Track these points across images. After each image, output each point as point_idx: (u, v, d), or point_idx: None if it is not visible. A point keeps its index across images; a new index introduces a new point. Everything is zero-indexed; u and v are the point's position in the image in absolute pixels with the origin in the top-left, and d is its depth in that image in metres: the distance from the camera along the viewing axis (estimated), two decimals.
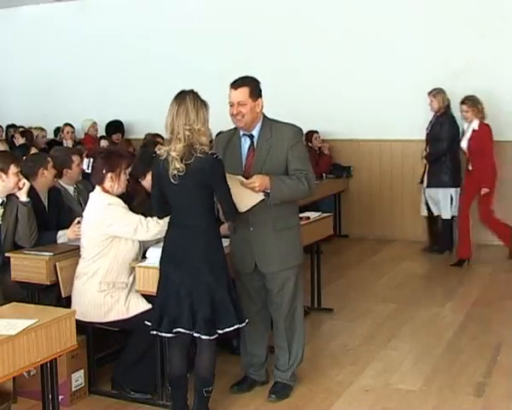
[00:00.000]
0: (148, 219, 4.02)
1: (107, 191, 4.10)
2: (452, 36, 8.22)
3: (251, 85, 3.94)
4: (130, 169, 4.35)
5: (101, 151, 4.72)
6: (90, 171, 4.21)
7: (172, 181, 3.52)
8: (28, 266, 4.28)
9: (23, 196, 4.42)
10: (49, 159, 4.90)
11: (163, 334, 3.64)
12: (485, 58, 8.07)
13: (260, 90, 3.98)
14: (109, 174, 4.09)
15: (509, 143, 8.08)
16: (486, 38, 8.06)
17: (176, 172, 3.50)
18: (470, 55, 8.10)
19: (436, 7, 8.30)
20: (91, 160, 4.20)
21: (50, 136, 9.54)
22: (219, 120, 8.41)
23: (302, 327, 4.25)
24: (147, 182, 4.62)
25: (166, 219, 3.80)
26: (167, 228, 3.73)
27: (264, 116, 4.03)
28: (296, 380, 4.28)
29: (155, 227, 3.96)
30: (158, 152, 3.63)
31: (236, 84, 3.95)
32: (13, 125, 9.32)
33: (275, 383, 4.23)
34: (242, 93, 3.92)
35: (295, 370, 4.25)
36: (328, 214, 5.89)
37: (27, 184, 4.44)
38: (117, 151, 4.51)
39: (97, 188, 4.14)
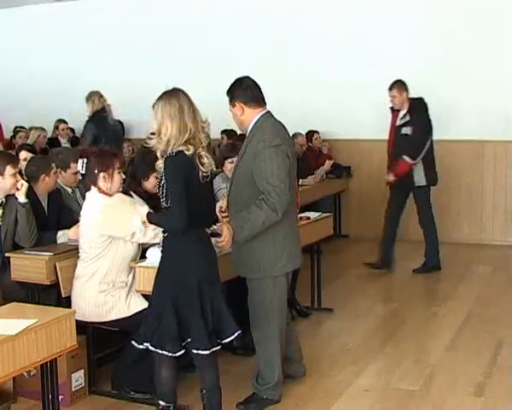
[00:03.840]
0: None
1: (103, 192, 4.09)
2: (452, 34, 8.23)
3: (230, 93, 3.96)
4: (124, 169, 4.33)
5: (95, 151, 4.70)
6: (84, 171, 4.18)
7: (201, 182, 3.45)
8: (28, 266, 4.28)
9: (21, 198, 4.40)
10: (53, 165, 4.89)
11: (216, 348, 3.51)
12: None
13: (238, 93, 3.91)
14: (102, 174, 4.06)
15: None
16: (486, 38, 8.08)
17: (211, 168, 3.47)
18: (471, 55, 8.12)
19: (436, 7, 8.31)
20: (85, 160, 4.16)
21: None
22: (220, 118, 8.43)
23: (269, 350, 4.04)
24: (149, 183, 4.62)
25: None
26: (183, 242, 3.47)
27: (261, 117, 3.90)
28: (278, 394, 4.11)
29: (152, 230, 3.93)
30: (187, 152, 3.41)
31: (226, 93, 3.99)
32: (22, 127, 9.32)
33: (251, 394, 4.16)
34: (229, 102, 3.97)
35: (271, 387, 4.08)
36: (328, 214, 5.89)
37: (25, 185, 4.43)
38: (110, 151, 4.47)
39: (93, 188, 4.12)
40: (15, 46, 10.80)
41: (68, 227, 4.52)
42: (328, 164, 8.33)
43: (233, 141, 7.08)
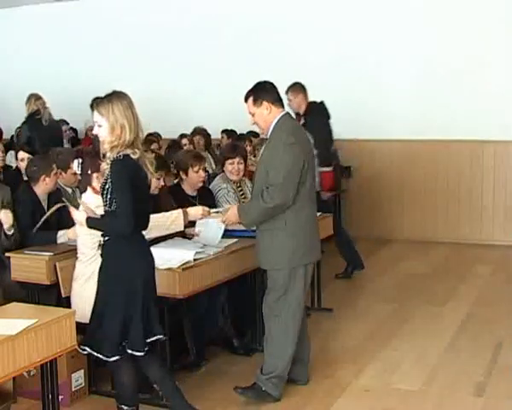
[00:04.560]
0: None
1: (97, 192, 4.06)
2: (452, 35, 8.23)
3: (253, 94, 4.09)
4: None
5: (90, 152, 4.69)
6: (79, 172, 4.18)
7: (146, 185, 3.49)
8: (28, 266, 4.28)
9: (8, 230, 4.40)
10: (54, 166, 4.88)
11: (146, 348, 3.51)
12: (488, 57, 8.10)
13: (265, 94, 4.06)
14: (95, 175, 4.03)
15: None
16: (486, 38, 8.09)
17: (150, 175, 3.49)
18: (470, 55, 8.12)
19: (436, 8, 8.31)
20: (80, 160, 4.15)
21: None
22: (221, 118, 8.42)
23: (280, 341, 4.09)
24: (151, 184, 4.60)
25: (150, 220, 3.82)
26: (126, 245, 3.45)
27: (282, 117, 4.06)
28: (279, 391, 4.12)
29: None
30: (133, 156, 3.38)
31: (244, 98, 4.11)
32: None
33: (253, 383, 4.19)
34: (249, 104, 4.09)
35: (273, 379, 4.10)
36: (328, 214, 5.88)
37: (10, 217, 4.37)
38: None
39: (89, 189, 4.11)
40: (15, 46, 10.79)
41: (68, 227, 4.51)
42: None
43: (233, 141, 7.08)
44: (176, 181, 5.21)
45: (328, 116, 6.80)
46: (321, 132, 6.53)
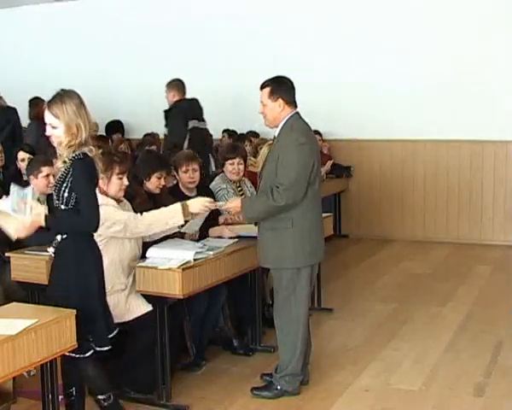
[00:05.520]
0: (138, 215, 4.01)
1: (103, 192, 4.07)
2: (452, 35, 8.23)
3: (272, 86, 4.07)
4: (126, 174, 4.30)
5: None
6: None
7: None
8: (28, 266, 4.28)
9: None
10: (43, 168, 4.85)
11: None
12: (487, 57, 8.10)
13: (283, 91, 4.05)
14: (100, 175, 4.02)
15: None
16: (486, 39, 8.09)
17: (100, 172, 3.50)
18: (470, 55, 8.12)
19: (436, 7, 8.31)
20: None
21: None
22: (221, 118, 8.38)
23: (289, 340, 4.14)
24: (151, 184, 4.61)
25: (148, 216, 3.88)
26: (84, 243, 3.45)
27: (293, 116, 4.07)
28: (293, 387, 4.18)
29: (143, 222, 3.94)
30: (90, 154, 3.35)
31: (261, 85, 4.11)
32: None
33: (269, 382, 4.26)
34: (264, 93, 4.08)
35: (287, 376, 4.16)
36: (328, 214, 5.88)
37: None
38: (112, 154, 4.35)
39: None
40: (15, 46, 10.78)
41: None
42: (328, 164, 8.34)
43: (233, 141, 7.07)
44: (175, 181, 5.22)
45: (191, 115, 6.78)
46: (171, 133, 6.76)
